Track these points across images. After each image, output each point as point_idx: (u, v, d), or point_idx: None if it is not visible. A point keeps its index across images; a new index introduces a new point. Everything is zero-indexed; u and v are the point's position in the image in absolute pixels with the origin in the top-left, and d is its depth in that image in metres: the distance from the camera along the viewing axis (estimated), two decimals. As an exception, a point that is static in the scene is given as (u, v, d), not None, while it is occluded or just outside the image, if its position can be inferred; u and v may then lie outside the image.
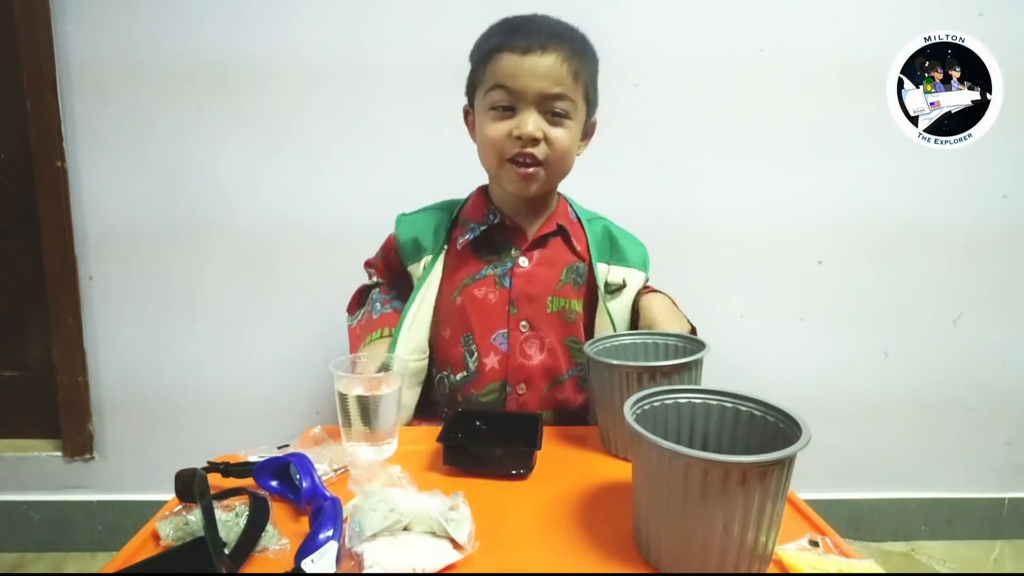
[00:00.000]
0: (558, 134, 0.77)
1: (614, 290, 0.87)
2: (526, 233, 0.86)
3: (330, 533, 0.47)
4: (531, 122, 0.75)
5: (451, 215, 0.90)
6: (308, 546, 0.46)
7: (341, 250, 1.28)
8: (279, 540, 0.50)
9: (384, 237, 0.94)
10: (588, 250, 0.88)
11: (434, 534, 0.49)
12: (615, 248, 0.90)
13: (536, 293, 0.83)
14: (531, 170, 0.78)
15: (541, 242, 0.86)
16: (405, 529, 0.48)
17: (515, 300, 0.82)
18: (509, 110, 0.77)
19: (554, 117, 0.77)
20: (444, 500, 0.51)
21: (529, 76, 0.74)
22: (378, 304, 0.90)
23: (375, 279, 0.96)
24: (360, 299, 0.95)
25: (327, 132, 1.25)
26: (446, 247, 0.88)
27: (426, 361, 0.86)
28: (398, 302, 0.91)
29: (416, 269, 0.88)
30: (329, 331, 1.26)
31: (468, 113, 0.86)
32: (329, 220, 1.27)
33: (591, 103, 0.83)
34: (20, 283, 1.31)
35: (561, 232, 0.87)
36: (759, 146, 1.28)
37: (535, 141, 0.76)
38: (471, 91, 0.84)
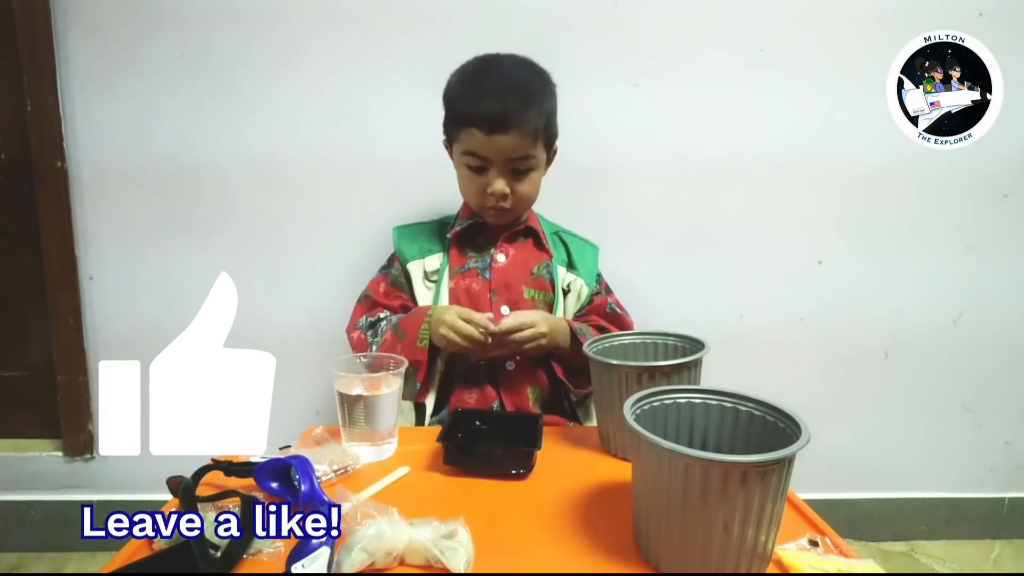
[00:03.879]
0: (523, 187, 0.91)
1: (565, 292, 1.00)
2: (501, 232, 0.98)
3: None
4: (500, 184, 0.89)
5: (449, 224, 1.01)
6: (300, 550, 0.45)
7: (341, 251, 1.28)
8: (273, 543, 0.50)
9: (381, 239, 0.97)
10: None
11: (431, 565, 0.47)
12: (570, 256, 1.03)
13: (512, 283, 0.96)
14: (504, 213, 0.94)
15: (512, 238, 0.99)
16: (401, 563, 0.48)
17: (495, 289, 0.95)
18: (481, 169, 0.90)
19: (519, 171, 0.90)
20: (439, 527, 0.49)
21: (495, 149, 0.87)
22: (394, 316, 0.96)
23: (382, 315, 0.97)
24: (366, 329, 0.97)
25: (329, 133, 1.24)
26: (449, 245, 0.99)
27: None
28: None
29: (418, 266, 0.98)
30: (329, 331, 1.26)
31: (447, 146, 0.97)
32: (328, 221, 1.27)
33: (550, 140, 0.95)
34: (20, 283, 1.31)
35: (531, 233, 1.00)
36: (759, 146, 1.28)
37: (504, 196, 0.90)
38: (447, 135, 0.96)
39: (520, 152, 0.87)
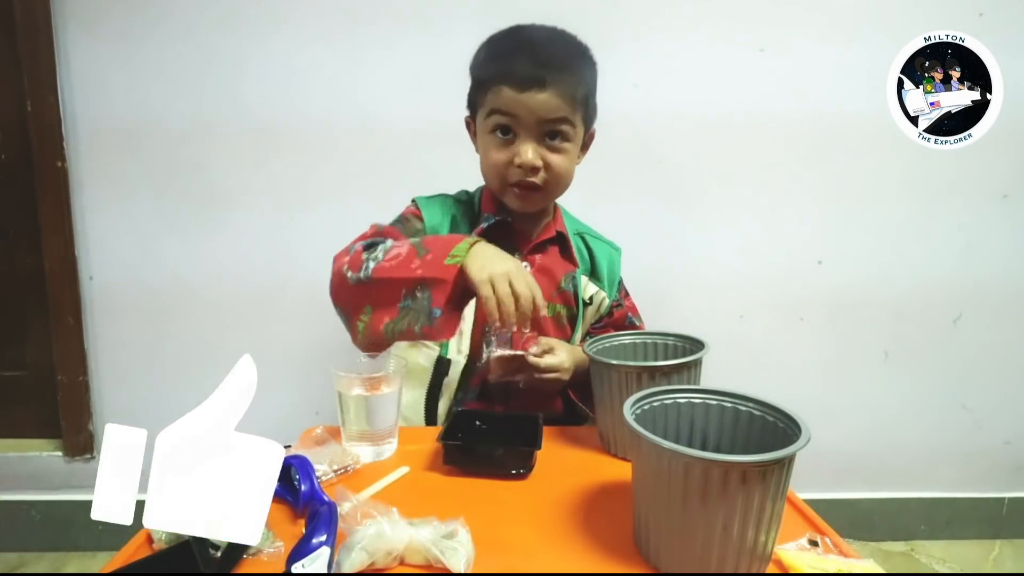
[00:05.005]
0: (557, 160, 0.79)
1: (586, 304, 0.92)
2: (529, 236, 0.89)
3: (323, 538, 0.46)
4: (530, 151, 0.77)
5: (473, 208, 0.91)
6: (300, 550, 0.45)
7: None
8: (273, 543, 0.50)
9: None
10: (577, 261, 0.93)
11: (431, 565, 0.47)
12: (594, 264, 0.94)
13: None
14: (532, 193, 0.81)
15: (540, 247, 0.89)
16: (401, 563, 0.48)
17: None
18: (509, 133, 0.79)
19: (553, 142, 0.79)
20: (439, 527, 0.48)
21: (528, 109, 0.76)
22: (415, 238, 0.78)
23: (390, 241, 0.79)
24: (364, 248, 0.76)
25: (328, 134, 1.24)
26: None
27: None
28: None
29: None
30: (330, 331, 1.26)
31: (470, 124, 0.87)
32: (327, 223, 1.27)
33: (589, 118, 0.84)
34: (20, 283, 1.31)
35: (560, 240, 0.91)
36: (759, 146, 1.28)
37: (535, 169, 0.78)
38: (472, 107, 0.85)
39: (557, 113, 0.76)
